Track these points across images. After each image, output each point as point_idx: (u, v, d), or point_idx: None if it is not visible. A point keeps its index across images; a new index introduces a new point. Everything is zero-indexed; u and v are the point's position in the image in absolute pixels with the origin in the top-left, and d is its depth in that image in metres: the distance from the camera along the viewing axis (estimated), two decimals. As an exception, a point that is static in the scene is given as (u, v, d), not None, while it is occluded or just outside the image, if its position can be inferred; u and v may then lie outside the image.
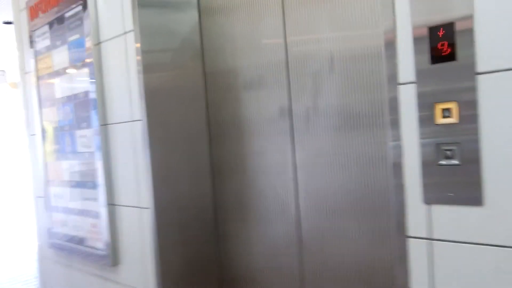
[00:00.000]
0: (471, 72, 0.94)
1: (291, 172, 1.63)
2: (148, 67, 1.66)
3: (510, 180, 0.90)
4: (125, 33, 1.73)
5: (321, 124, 1.53)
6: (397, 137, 1.06)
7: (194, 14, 1.85)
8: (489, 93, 0.92)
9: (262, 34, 1.69)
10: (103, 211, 1.88)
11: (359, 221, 1.43)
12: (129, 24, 1.70)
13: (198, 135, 1.89)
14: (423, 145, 1.03)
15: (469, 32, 0.93)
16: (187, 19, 1.84)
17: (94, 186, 1.90)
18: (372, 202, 1.38)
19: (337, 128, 1.47)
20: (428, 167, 1.02)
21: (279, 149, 1.67)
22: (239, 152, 1.82)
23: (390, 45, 1.06)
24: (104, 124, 1.88)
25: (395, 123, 1.06)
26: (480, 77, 0.93)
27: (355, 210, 1.44)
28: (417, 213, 1.04)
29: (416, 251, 1.05)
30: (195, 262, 1.87)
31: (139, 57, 1.65)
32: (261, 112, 1.73)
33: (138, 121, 1.70)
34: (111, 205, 1.89)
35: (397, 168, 1.07)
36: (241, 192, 1.83)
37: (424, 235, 1.03)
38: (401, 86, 1.05)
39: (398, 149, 1.06)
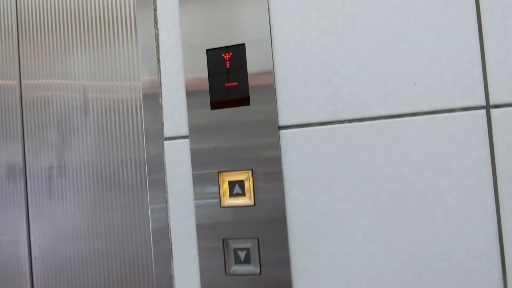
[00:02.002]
0: (273, 125, 0.55)
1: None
2: None
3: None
4: None
5: (69, 189, 0.98)
6: (165, 239, 0.60)
7: None
8: (300, 159, 0.55)
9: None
10: None
11: None
12: None
13: None
14: (201, 243, 0.59)
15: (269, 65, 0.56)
16: None
17: None
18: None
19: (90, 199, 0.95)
20: (212, 277, 0.58)
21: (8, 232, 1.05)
22: None
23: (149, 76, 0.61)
24: None
25: (161, 207, 0.60)
26: (285, 133, 0.55)
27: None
28: None
29: None
30: None
31: None
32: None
33: None
34: None
35: (165, 282, 0.61)
36: None
37: None
38: (167, 143, 0.60)
39: (166, 255, 0.60)
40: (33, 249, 1.06)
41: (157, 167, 0.63)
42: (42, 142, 1.03)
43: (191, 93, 0.60)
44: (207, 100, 0.60)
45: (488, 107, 0.51)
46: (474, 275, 0.51)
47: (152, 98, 0.64)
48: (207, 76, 0.60)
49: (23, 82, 1.06)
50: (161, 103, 0.62)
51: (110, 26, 0.87)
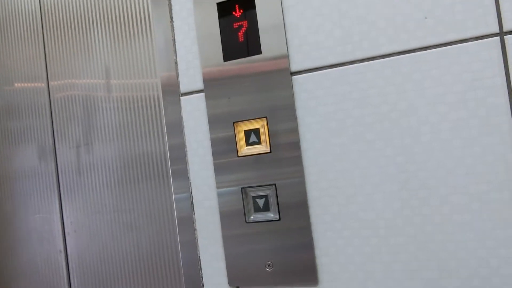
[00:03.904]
0: (285, 71, 0.56)
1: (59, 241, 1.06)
2: None
3: (348, 239, 0.54)
4: None
5: (97, 176, 1.01)
6: (185, 186, 0.62)
7: None
8: (313, 103, 0.55)
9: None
10: None
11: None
12: None
13: None
14: (221, 193, 0.60)
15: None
16: None
17: None
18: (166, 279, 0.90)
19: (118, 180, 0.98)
20: (232, 227, 0.60)
21: (42, 210, 1.09)
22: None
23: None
24: None
25: (181, 160, 0.62)
26: (297, 78, 0.56)
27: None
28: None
29: None
30: None
31: None
32: (17, 164, 1.14)
33: None
34: None
35: (188, 241, 0.62)
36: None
37: None
38: (184, 98, 0.62)
39: (187, 202, 0.62)
40: (66, 225, 1.10)
41: (178, 152, 0.65)
42: (67, 134, 1.06)
43: (204, 48, 0.62)
44: (220, 53, 0.61)
45: (502, 33, 0.50)
46: (495, 206, 0.50)
47: (167, 53, 0.66)
48: (218, 29, 0.61)
49: (51, 83, 1.10)
50: (176, 60, 0.64)
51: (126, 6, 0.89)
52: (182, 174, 0.65)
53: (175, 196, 0.67)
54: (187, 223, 0.67)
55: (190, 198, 0.63)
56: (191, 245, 0.66)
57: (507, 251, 0.50)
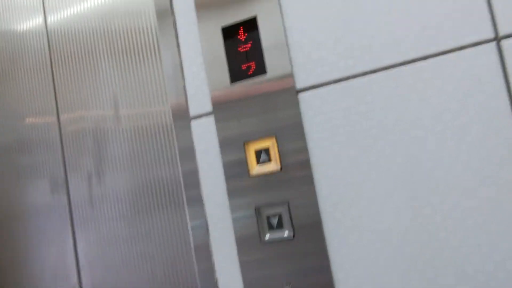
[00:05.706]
0: (290, 89, 0.58)
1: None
2: None
3: (363, 251, 0.54)
4: None
5: (109, 210, 1.02)
6: (201, 212, 0.63)
7: None
8: (320, 119, 0.57)
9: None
10: None
11: None
12: None
13: None
14: (234, 214, 0.61)
15: (279, 27, 0.59)
16: None
17: None
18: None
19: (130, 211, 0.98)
20: (247, 248, 0.60)
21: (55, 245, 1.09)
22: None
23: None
24: None
25: (195, 185, 0.63)
26: (303, 96, 0.58)
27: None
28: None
29: None
30: None
31: None
32: (30, 200, 1.16)
33: None
34: None
35: (204, 254, 0.63)
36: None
37: None
38: (194, 122, 0.64)
39: (203, 229, 0.62)
40: (80, 259, 1.10)
41: (192, 178, 0.67)
42: (79, 168, 1.07)
43: (211, 71, 0.64)
44: (226, 75, 0.63)
45: (498, 38, 0.52)
46: (506, 207, 0.51)
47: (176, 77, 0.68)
48: (224, 53, 0.64)
49: (61, 117, 1.13)
50: (185, 85, 0.66)
51: (134, 36, 0.92)
52: (197, 200, 0.66)
53: (191, 223, 0.68)
54: (204, 250, 0.67)
55: (206, 224, 0.64)
56: (209, 272, 0.67)
57: (525, 252, 0.50)
